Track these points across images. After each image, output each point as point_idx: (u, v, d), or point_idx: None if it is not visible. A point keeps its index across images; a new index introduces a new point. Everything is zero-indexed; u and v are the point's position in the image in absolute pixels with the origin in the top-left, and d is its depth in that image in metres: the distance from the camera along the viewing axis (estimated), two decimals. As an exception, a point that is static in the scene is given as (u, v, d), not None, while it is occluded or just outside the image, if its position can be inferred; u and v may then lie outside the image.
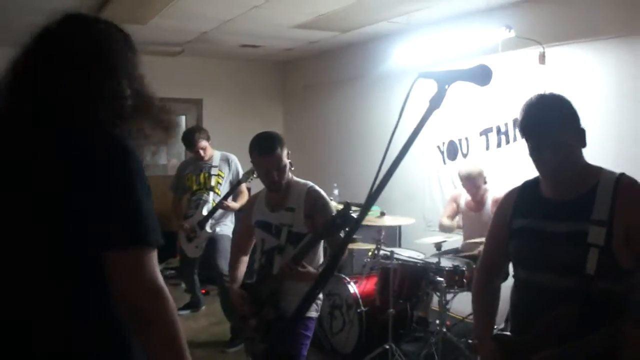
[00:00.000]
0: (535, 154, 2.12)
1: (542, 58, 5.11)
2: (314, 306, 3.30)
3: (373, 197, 1.54)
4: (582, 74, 4.94)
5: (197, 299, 6.42)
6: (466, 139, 6.12)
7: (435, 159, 6.49)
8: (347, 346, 4.97)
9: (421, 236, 5.44)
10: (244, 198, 5.60)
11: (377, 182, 1.51)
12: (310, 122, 8.85)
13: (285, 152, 3.22)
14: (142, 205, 1.41)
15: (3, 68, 1.51)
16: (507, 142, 5.61)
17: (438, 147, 6.44)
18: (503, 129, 5.64)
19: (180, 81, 8.56)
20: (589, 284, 1.99)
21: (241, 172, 5.61)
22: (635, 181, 2.11)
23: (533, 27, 5.17)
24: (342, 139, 8.16)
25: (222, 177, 5.73)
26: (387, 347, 4.62)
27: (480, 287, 2.47)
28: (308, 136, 8.90)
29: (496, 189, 5.03)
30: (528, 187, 2.31)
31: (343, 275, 5.14)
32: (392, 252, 4.80)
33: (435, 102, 1.58)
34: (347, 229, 2.79)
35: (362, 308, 4.85)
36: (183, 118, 9.01)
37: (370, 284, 5.09)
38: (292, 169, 3.29)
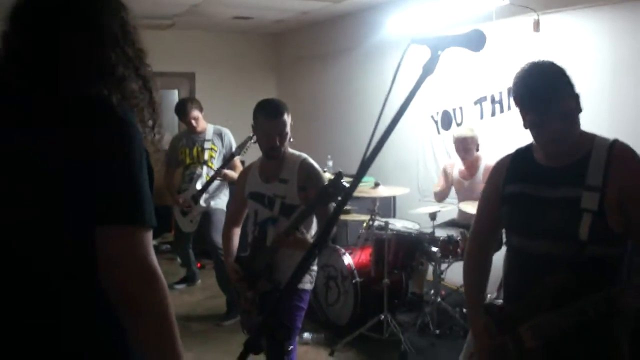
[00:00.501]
0: (539, 123, 2.07)
1: (536, 25, 5.06)
2: (308, 278, 3.30)
3: (365, 166, 1.51)
4: (577, 41, 4.89)
5: (192, 273, 6.42)
6: (460, 108, 6.09)
7: (429, 128, 6.46)
8: (342, 317, 4.99)
9: (416, 206, 5.44)
10: (237, 171, 5.56)
11: (369, 151, 1.49)
12: (304, 94, 8.79)
13: (289, 120, 3.22)
14: (141, 184, 1.37)
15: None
16: (502, 110, 5.58)
17: (432, 116, 6.40)
18: (497, 98, 5.61)
19: (172, 55, 8.46)
20: (582, 250, 1.99)
21: (234, 146, 5.57)
22: (628, 147, 2.10)
23: (527, -6, 5.10)
24: (336, 111, 8.12)
25: (215, 151, 5.69)
26: (382, 317, 4.65)
27: (472, 258, 2.43)
28: (302, 108, 8.84)
29: (489, 157, 5.03)
30: (521, 154, 2.29)
31: (338, 247, 5.14)
32: (386, 222, 4.80)
33: (428, 68, 1.54)
34: (339, 198, 2.78)
35: (357, 279, 4.85)
36: (176, 92, 8.94)
37: (365, 255, 5.09)
38: (292, 140, 3.27)
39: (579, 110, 2.09)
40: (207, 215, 5.60)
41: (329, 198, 2.86)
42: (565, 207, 2.05)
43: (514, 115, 5.14)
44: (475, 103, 5.87)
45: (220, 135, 5.74)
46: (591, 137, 2.13)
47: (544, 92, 2.04)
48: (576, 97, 2.09)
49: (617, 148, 2.08)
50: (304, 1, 6.70)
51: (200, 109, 5.73)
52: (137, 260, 1.34)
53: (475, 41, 1.69)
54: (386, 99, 1.53)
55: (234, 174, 5.48)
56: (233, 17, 7.68)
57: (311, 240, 3.10)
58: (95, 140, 1.35)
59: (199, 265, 6.72)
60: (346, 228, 6.16)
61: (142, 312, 1.34)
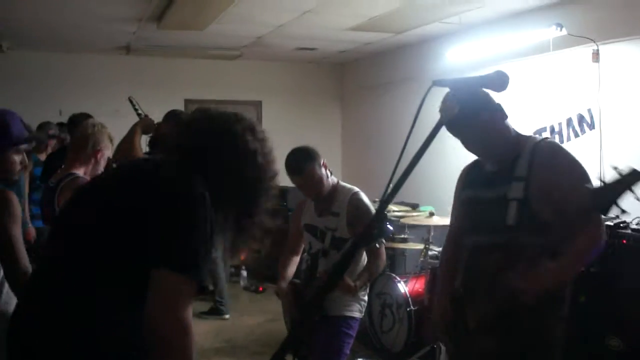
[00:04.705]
0: (464, 144, 2.40)
1: (595, 56, 5.03)
2: (357, 307, 3.38)
3: (386, 201, 1.62)
4: (637, 71, 4.83)
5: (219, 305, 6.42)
6: (520, 138, 6.05)
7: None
8: (396, 344, 5.03)
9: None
10: None
11: (392, 183, 1.59)
12: (367, 123, 8.91)
13: (316, 167, 3.26)
14: (201, 246, 1.62)
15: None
16: (562, 141, 5.54)
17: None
18: (557, 129, 5.57)
19: (240, 84, 8.79)
20: (510, 235, 2.22)
21: None
22: (555, 143, 2.45)
23: (585, 25, 5.09)
24: (397, 139, 8.18)
25: None
26: (435, 346, 4.67)
27: (447, 255, 2.75)
28: (365, 136, 8.97)
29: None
30: (474, 163, 2.58)
31: (394, 275, 5.20)
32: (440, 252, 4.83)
33: (445, 115, 1.68)
34: (381, 240, 2.88)
35: (412, 307, 4.89)
36: (243, 120, 9.21)
37: (420, 284, 5.13)
38: (331, 176, 3.35)
39: (501, 119, 2.35)
40: None
41: (371, 239, 2.94)
42: (499, 202, 2.30)
43: (574, 145, 5.14)
44: (535, 134, 5.83)
45: None
46: (524, 139, 2.40)
47: (452, 125, 2.23)
48: (490, 113, 2.32)
49: (543, 143, 2.36)
50: (365, 33, 6.85)
51: None
52: (176, 312, 1.56)
53: (498, 82, 1.78)
54: (408, 137, 1.64)
55: None
56: (296, 48, 7.92)
57: (352, 283, 3.19)
58: (172, 205, 1.65)
59: (260, 288, 6.88)
60: (404, 257, 6.20)
61: (169, 353, 1.56)
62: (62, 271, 1.68)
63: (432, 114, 1.68)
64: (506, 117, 2.36)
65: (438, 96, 1.82)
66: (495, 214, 2.30)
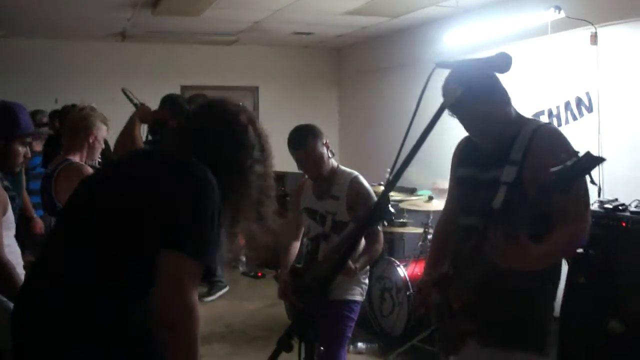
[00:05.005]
0: (462, 124, 2.33)
1: (593, 38, 5.02)
2: (358, 290, 3.39)
3: (391, 183, 1.61)
4: (636, 53, 4.82)
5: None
6: (518, 122, 6.05)
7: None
8: (396, 328, 5.05)
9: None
10: None
11: (396, 168, 1.59)
12: (364, 107, 8.90)
13: (319, 144, 3.26)
14: (209, 231, 1.65)
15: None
16: (559, 124, 5.53)
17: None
18: (555, 112, 5.57)
19: (236, 69, 8.76)
20: (493, 218, 2.16)
21: None
22: (556, 130, 2.31)
23: (583, 7, 5.07)
24: (394, 124, 8.17)
25: None
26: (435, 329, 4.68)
27: (436, 236, 2.73)
28: (362, 121, 8.96)
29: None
30: (469, 139, 2.49)
31: (393, 259, 5.22)
32: (440, 235, 4.84)
33: (448, 98, 1.68)
34: (382, 221, 2.87)
35: (411, 291, 4.91)
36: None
37: (419, 268, 5.14)
38: (332, 156, 3.35)
39: (505, 104, 2.28)
40: None
41: (373, 221, 2.95)
42: (490, 185, 2.25)
43: (572, 128, 5.14)
44: (533, 117, 5.83)
45: None
46: (524, 120, 2.32)
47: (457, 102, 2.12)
48: (495, 97, 2.26)
49: (542, 128, 2.26)
50: (362, 17, 6.82)
51: None
52: (185, 295, 1.60)
53: (501, 64, 1.78)
54: (412, 121, 1.63)
55: None
56: (293, 32, 7.88)
57: (353, 265, 3.19)
58: (180, 189, 1.68)
59: (259, 274, 6.90)
60: (403, 241, 6.21)
61: (176, 336, 1.60)
62: (67, 262, 1.68)
63: (431, 96, 1.67)
64: (509, 101, 2.31)
65: (438, 79, 1.81)
66: (485, 196, 2.25)
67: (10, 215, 2.59)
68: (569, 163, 1.80)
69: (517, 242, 2.02)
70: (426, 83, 1.68)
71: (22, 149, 2.46)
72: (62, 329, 1.62)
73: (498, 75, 2.15)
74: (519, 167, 2.18)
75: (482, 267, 2.14)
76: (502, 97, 2.28)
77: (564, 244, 2.21)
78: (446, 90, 2.18)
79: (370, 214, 2.90)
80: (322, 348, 3.08)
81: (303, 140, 3.25)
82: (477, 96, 2.11)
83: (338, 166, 3.40)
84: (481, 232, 2.15)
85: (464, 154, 2.49)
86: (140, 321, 1.64)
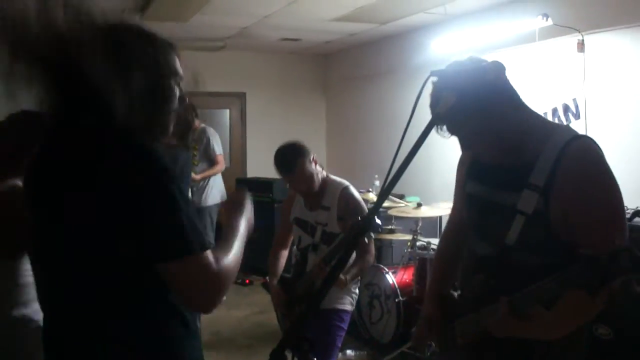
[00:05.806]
0: (458, 137, 1.95)
1: (580, 46, 5.05)
2: (348, 299, 3.39)
3: (385, 193, 1.60)
4: (622, 61, 4.87)
5: None
6: (505, 128, 6.07)
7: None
8: (385, 335, 5.04)
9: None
10: (216, 168, 6.30)
11: (390, 177, 1.58)
12: (352, 114, 8.90)
13: (307, 163, 3.20)
14: (184, 216, 1.44)
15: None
16: (547, 131, 5.57)
17: (477, 136, 6.39)
18: (542, 118, 5.59)
19: (224, 75, 8.71)
20: (506, 254, 1.87)
21: (216, 147, 6.22)
22: (591, 148, 1.78)
23: (571, 15, 5.10)
24: (382, 130, 8.19)
25: (196, 149, 6.15)
26: (424, 336, 4.68)
27: (443, 248, 2.37)
28: (350, 128, 8.96)
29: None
30: None
31: (382, 266, 5.21)
32: (428, 242, 4.85)
33: (441, 107, 1.65)
34: (369, 234, 2.84)
35: (400, 298, 4.91)
36: (227, 111, 9.20)
37: (408, 275, 5.15)
38: (321, 170, 3.32)
39: (508, 109, 1.86)
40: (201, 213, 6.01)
41: (360, 233, 2.93)
42: (505, 211, 1.87)
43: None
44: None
45: (203, 133, 6.24)
46: (552, 129, 1.88)
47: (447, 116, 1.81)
48: (489, 105, 1.83)
49: (575, 145, 1.78)
50: (350, 23, 6.82)
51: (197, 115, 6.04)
52: (211, 280, 1.49)
53: (494, 72, 1.78)
54: (406, 129, 1.62)
55: (196, 177, 6.02)
56: (281, 38, 7.87)
57: (344, 277, 3.17)
58: (134, 187, 1.42)
59: (247, 281, 6.85)
60: (391, 248, 6.21)
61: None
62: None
63: (420, 102, 1.66)
64: (519, 105, 1.91)
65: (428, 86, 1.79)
66: (498, 224, 1.90)
67: None
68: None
69: (525, 316, 1.74)
70: (421, 90, 1.67)
71: None
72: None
73: (506, 77, 1.90)
74: (542, 196, 1.77)
75: (489, 316, 1.89)
76: (507, 102, 1.87)
77: (578, 311, 1.76)
78: (437, 98, 1.84)
79: (358, 225, 2.91)
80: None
81: (291, 165, 3.18)
82: (473, 96, 1.77)
83: (328, 176, 3.38)
84: (493, 270, 1.93)
85: (474, 167, 2.09)
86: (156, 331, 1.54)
